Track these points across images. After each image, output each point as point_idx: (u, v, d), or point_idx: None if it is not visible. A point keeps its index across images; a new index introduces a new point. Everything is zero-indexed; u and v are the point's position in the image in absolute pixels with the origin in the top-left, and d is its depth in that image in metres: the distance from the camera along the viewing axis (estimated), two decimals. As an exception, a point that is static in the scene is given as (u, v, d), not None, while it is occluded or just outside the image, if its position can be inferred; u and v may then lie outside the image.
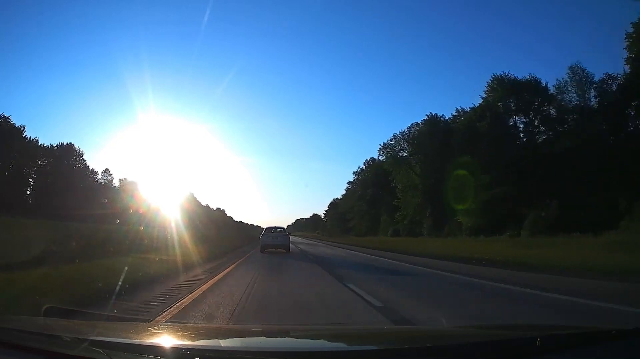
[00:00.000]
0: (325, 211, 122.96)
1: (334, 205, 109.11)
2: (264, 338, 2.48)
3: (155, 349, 1.68)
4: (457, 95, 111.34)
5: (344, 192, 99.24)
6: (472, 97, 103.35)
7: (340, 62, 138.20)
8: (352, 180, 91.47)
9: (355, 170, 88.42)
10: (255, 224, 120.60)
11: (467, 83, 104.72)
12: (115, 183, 77.78)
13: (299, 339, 2.57)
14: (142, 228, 18.12)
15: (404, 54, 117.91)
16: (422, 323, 5.51)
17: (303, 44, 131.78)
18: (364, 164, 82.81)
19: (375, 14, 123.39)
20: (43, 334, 1.83)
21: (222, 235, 35.51)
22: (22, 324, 2.20)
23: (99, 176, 75.90)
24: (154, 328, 2.63)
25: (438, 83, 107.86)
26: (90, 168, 73.20)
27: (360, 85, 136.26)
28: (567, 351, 1.81)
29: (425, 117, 51.52)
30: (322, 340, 2.53)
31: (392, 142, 56.02)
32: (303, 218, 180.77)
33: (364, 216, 74.85)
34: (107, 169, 77.58)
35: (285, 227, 28.42)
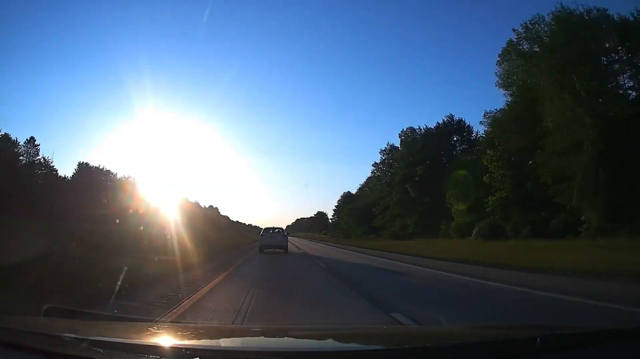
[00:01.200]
0: (336, 206, 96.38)
1: (350, 198, 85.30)
2: (264, 338, 2.48)
3: (155, 349, 1.68)
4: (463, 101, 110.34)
5: (367, 178, 76.17)
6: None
7: (340, 62, 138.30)
8: (379, 162, 68.27)
9: (383, 148, 65.74)
10: (254, 224, 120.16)
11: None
12: (58, 166, 59.87)
13: (299, 340, 2.57)
14: (142, 228, 18.04)
15: (404, 54, 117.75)
16: (422, 322, 5.49)
17: (302, 43, 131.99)
18: (401, 135, 57.24)
19: (373, 14, 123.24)
20: (43, 334, 1.83)
21: (211, 237, 33.11)
22: (22, 324, 2.20)
23: (21, 149, 53.31)
24: (154, 328, 2.62)
25: (438, 83, 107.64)
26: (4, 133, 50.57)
27: (363, 84, 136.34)
28: (567, 351, 1.81)
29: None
30: (322, 340, 2.53)
31: (533, 26, 27.95)
32: (304, 218, 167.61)
33: (410, 209, 50.13)
34: (32, 138, 55.36)
35: (285, 227, 28.83)
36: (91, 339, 1.63)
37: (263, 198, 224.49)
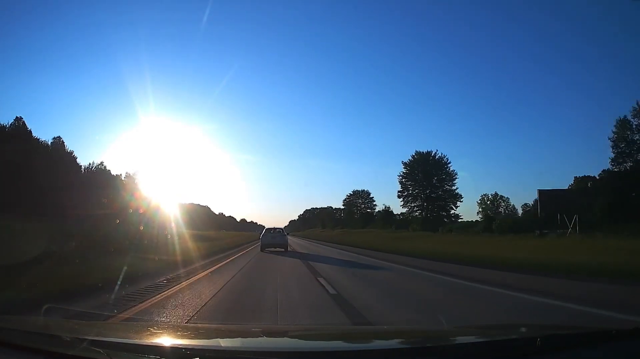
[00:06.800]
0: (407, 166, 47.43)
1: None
2: (264, 338, 2.48)
3: (155, 349, 1.68)
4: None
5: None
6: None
7: (339, 61, 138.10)
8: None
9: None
10: (255, 221, 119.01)
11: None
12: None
13: (298, 340, 2.57)
14: (142, 227, 18.09)
15: (403, 54, 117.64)
16: (422, 322, 5.51)
17: (300, 43, 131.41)
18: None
19: (373, 15, 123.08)
20: (43, 334, 1.83)
21: (213, 236, 32.24)
22: (22, 324, 2.20)
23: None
24: (153, 328, 2.62)
25: (435, 79, 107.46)
26: None
27: (362, 85, 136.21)
28: (567, 351, 1.81)
29: None
30: (321, 340, 2.53)
31: None
32: (317, 208, 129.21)
33: None
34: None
35: (288, 223, 29.48)
36: (91, 339, 1.63)
37: (263, 196, 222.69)
